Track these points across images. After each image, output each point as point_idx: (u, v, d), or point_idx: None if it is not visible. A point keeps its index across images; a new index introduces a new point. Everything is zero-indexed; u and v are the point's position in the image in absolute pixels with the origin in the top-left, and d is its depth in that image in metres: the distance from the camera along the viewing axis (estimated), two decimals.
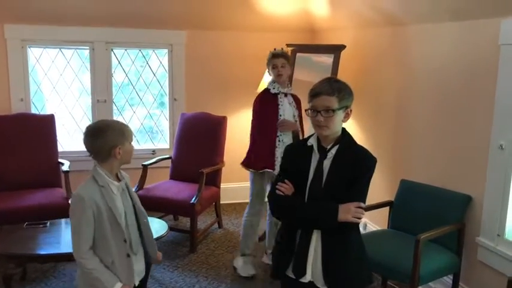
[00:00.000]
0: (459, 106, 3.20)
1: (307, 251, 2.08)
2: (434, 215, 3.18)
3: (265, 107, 3.54)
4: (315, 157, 2.10)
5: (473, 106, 3.08)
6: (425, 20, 3.48)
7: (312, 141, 2.13)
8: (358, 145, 2.13)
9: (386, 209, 3.49)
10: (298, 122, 3.59)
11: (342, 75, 4.10)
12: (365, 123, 4.26)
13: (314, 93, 2.06)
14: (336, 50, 4.17)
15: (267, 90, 3.56)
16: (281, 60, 3.50)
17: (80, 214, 2.06)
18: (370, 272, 2.25)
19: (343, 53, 4.14)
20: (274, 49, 3.59)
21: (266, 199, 3.38)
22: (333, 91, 2.02)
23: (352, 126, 4.40)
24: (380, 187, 3.87)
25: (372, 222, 4.13)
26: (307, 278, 2.10)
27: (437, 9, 3.28)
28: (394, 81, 3.88)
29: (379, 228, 3.85)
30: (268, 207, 2.27)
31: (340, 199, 2.01)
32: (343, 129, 2.13)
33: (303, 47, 4.55)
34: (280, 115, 3.50)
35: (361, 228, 4.20)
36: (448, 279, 3.20)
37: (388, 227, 3.48)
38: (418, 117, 3.61)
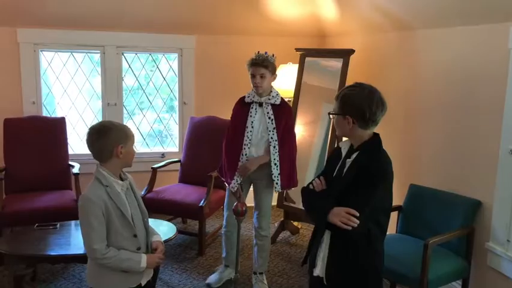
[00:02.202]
0: (468, 111, 3.19)
1: (318, 246, 2.18)
2: (443, 219, 3.16)
3: (236, 116, 3.35)
4: (341, 159, 2.19)
5: (482, 111, 3.07)
6: (434, 25, 3.48)
7: (343, 144, 2.24)
8: (378, 154, 2.12)
9: (395, 214, 3.48)
10: (271, 136, 3.22)
11: (350, 80, 4.09)
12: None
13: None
14: (345, 54, 4.17)
15: (242, 98, 3.35)
16: (260, 70, 3.16)
17: (90, 215, 2.08)
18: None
19: (352, 58, 4.15)
20: (258, 52, 3.24)
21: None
22: (337, 96, 2.16)
23: None
24: None
25: None
26: (316, 272, 2.18)
27: (446, 14, 3.27)
28: (402, 86, 3.87)
29: (387, 233, 3.83)
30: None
31: (348, 202, 2.04)
32: (375, 135, 2.17)
33: (312, 52, 4.56)
34: (247, 127, 3.25)
35: None
36: (457, 284, 3.18)
37: (396, 232, 3.47)
38: (427, 121, 3.60)
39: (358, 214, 2.01)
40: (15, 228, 3.78)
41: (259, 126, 3.26)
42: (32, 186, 4.12)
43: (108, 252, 2.10)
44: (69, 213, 3.67)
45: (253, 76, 3.20)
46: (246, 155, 3.28)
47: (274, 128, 3.23)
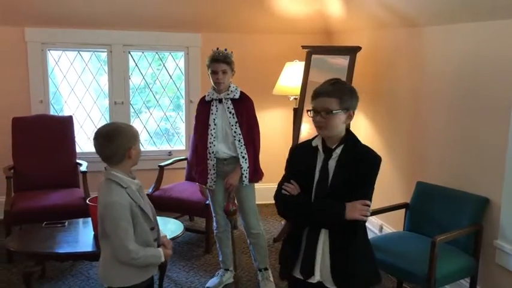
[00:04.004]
0: (476, 107, 3.16)
1: (314, 252, 2.09)
2: (451, 217, 3.15)
3: (199, 116, 3.35)
4: (320, 157, 2.12)
5: (491, 107, 3.05)
6: (441, 21, 3.46)
7: (317, 142, 2.15)
8: (363, 144, 2.15)
9: (402, 211, 3.47)
10: (234, 130, 3.21)
11: (357, 77, 4.10)
12: (381, 125, 4.24)
13: (314, 94, 2.08)
14: (351, 51, 4.16)
15: (203, 97, 3.34)
16: (222, 66, 3.13)
17: (122, 219, 2.11)
18: (378, 270, 2.25)
19: (359, 55, 4.13)
20: (217, 49, 3.21)
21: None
22: (333, 93, 2.05)
23: (367, 128, 4.39)
24: (396, 189, 3.85)
25: (387, 225, 4.11)
26: (315, 279, 2.10)
27: (454, 10, 3.25)
28: (410, 83, 3.86)
29: (394, 231, 3.83)
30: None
31: (346, 198, 2.03)
32: (348, 129, 2.14)
33: (319, 49, 4.55)
34: (210, 125, 3.24)
35: (376, 231, 4.19)
36: (465, 282, 3.17)
37: (403, 229, 3.46)
38: (435, 118, 3.58)
39: (370, 203, 2.04)
40: (24, 226, 3.81)
41: (222, 123, 3.24)
42: (40, 184, 4.16)
43: (140, 252, 2.15)
44: (77, 211, 3.70)
45: (214, 73, 3.17)
46: (213, 153, 3.27)
47: (236, 122, 3.22)
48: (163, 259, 2.27)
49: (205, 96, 3.33)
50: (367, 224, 2.15)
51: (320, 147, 2.12)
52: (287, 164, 2.25)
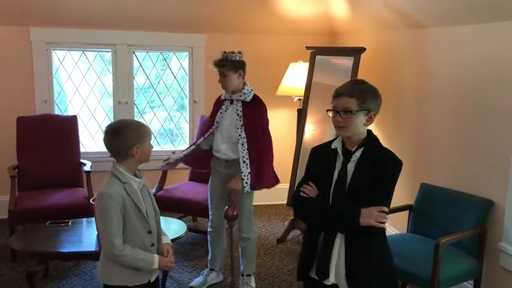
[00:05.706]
0: (481, 109, 3.15)
1: (330, 254, 2.08)
2: (455, 219, 3.14)
3: (211, 113, 3.39)
4: (339, 160, 2.10)
5: (495, 109, 3.04)
6: (446, 23, 3.45)
7: (336, 144, 2.13)
8: (384, 148, 2.12)
9: (406, 213, 3.46)
10: (239, 133, 3.16)
11: (361, 78, 4.08)
12: (385, 126, 4.22)
13: (335, 94, 2.08)
14: (355, 52, 4.15)
15: (220, 95, 3.37)
16: (220, 69, 3.15)
17: (110, 211, 2.11)
18: (395, 279, 2.21)
19: (363, 56, 4.13)
20: (225, 52, 3.20)
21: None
22: (354, 93, 2.03)
23: (372, 129, 4.38)
24: (400, 191, 3.80)
25: (391, 226, 4.09)
26: (330, 281, 2.09)
27: (459, 11, 3.24)
28: (414, 84, 3.85)
29: (398, 232, 3.82)
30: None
31: (364, 202, 2.00)
32: (369, 132, 2.12)
33: (323, 50, 4.54)
34: (217, 122, 3.26)
35: None
36: (469, 284, 3.16)
37: (407, 231, 3.45)
38: (439, 120, 3.57)
39: (387, 210, 2.01)
40: (27, 225, 3.81)
41: (230, 124, 3.22)
42: (44, 183, 4.17)
43: (125, 250, 2.13)
44: (81, 210, 3.71)
45: (219, 76, 3.21)
46: (199, 145, 3.35)
47: (242, 125, 3.17)
48: (156, 266, 2.22)
49: (222, 94, 3.36)
50: None
51: (339, 150, 2.10)
52: (307, 165, 2.24)
